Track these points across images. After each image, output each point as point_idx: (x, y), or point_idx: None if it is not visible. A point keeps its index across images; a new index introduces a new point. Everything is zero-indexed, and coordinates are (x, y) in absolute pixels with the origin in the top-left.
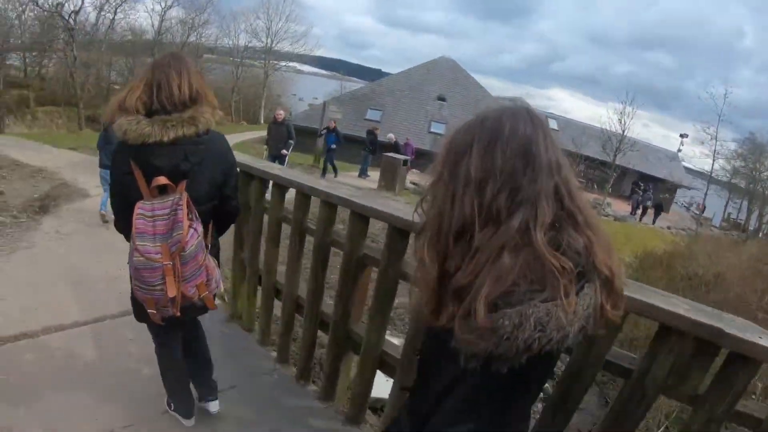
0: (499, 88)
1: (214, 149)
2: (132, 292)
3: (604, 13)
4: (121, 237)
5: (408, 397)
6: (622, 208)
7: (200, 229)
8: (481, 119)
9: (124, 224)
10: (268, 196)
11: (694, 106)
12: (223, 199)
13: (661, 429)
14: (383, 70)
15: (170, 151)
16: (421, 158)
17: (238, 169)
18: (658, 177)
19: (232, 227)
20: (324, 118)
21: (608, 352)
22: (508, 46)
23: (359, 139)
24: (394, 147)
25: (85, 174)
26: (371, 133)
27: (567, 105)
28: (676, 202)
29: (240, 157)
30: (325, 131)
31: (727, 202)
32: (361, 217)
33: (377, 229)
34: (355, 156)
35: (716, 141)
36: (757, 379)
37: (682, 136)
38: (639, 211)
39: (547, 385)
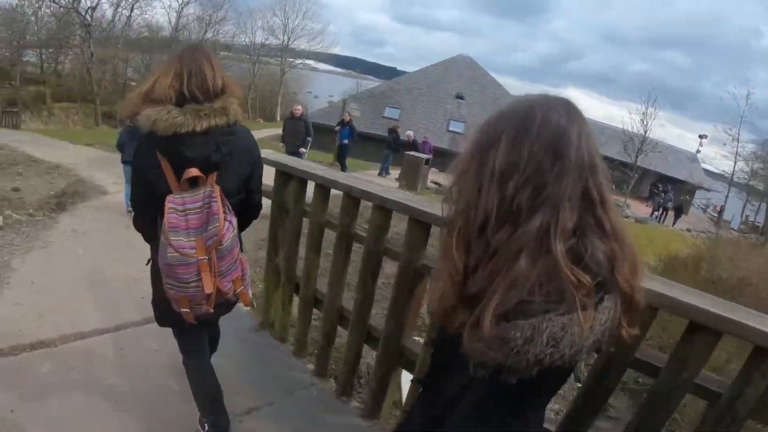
0: (515, 87)
1: (241, 141)
2: (153, 296)
3: (618, 11)
4: (140, 236)
5: (420, 391)
6: (641, 209)
7: (235, 221)
8: (513, 108)
9: (144, 219)
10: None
11: (709, 106)
12: (248, 192)
13: None
14: (398, 68)
15: (202, 141)
16: (439, 157)
17: (263, 163)
18: (677, 178)
19: (259, 229)
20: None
21: (636, 351)
22: (522, 44)
23: (377, 137)
24: (413, 145)
25: (101, 171)
26: (393, 131)
27: (582, 104)
28: (692, 204)
29: (276, 156)
30: (339, 126)
31: (745, 205)
32: (422, 224)
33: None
34: (371, 154)
35: (738, 142)
36: None
37: (701, 137)
38: (658, 213)
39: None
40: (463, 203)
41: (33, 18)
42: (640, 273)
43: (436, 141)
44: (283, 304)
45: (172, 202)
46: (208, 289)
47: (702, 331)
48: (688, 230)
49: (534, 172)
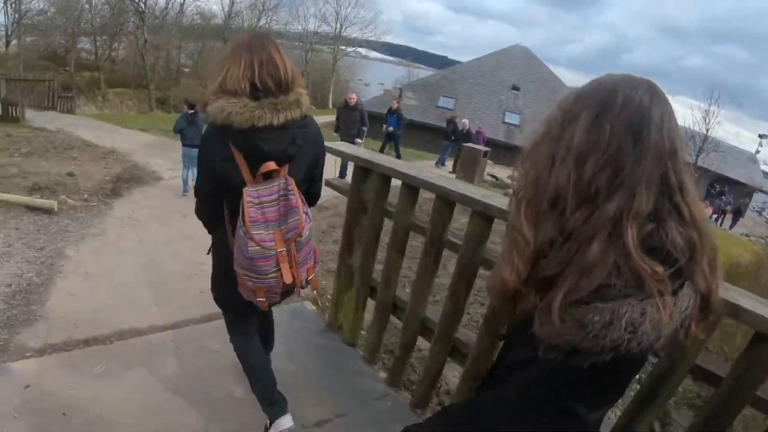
0: (570, 78)
1: (311, 132)
2: (214, 286)
3: (673, 3)
4: (198, 226)
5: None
6: None
7: (310, 213)
8: (595, 87)
9: (209, 209)
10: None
11: None
12: (311, 182)
13: None
14: (449, 57)
15: (280, 135)
16: (493, 148)
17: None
18: (735, 179)
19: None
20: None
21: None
22: (576, 35)
23: (432, 127)
24: (466, 135)
25: (156, 156)
26: (452, 122)
27: None
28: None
29: (354, 150)
30: (387, 113)
31: None
32: None
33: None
34: (425, 143)
35: None
36: None
37: (761, 136)
38: (715, 216)
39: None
40: (532, 175)
41: (87, 6)
42: (719, 271)
43: (491, 132)
44: (355, 308)
45: (249, 195)
46: (288, 279)
47: None
48: (746, 235)
49: (615, 153)
